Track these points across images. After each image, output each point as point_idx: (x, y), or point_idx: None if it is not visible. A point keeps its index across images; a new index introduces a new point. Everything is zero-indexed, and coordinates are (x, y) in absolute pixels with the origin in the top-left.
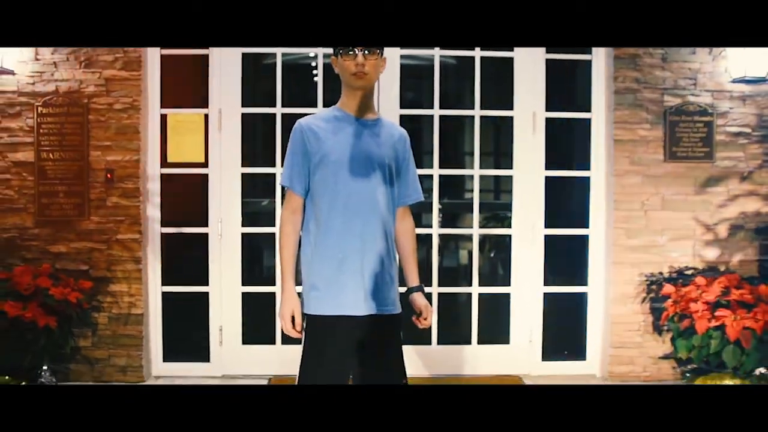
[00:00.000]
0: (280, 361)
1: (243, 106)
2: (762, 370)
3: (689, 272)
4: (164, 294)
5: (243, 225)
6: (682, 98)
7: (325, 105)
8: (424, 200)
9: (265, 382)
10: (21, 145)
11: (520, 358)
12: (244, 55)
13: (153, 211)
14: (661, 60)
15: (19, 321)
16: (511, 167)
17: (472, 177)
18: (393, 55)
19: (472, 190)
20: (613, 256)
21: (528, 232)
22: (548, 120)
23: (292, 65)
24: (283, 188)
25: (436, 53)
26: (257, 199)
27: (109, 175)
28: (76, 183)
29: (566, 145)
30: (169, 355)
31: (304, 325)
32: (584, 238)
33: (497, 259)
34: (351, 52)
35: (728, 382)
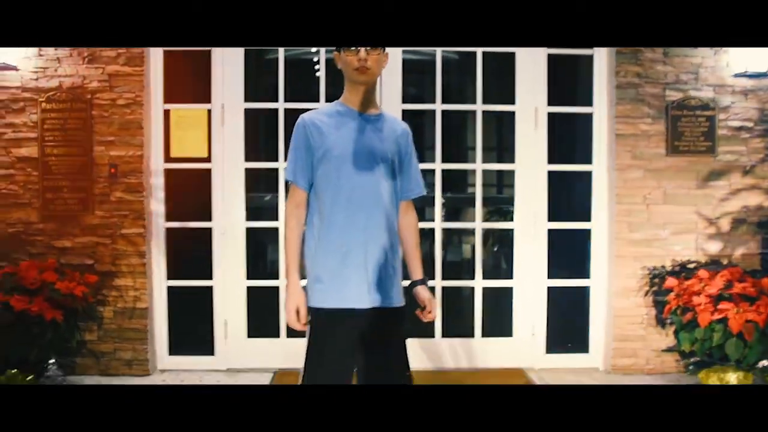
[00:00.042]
0: (284, 355)
1: (246, 101)
2: (765, 362)
3: (692, 266)
4: (169, 288)
5: (247, 219)
6: (684, 93)
7: (328, 100)
8: (427, 195)
9: (269, 375)
10: (25, 140)
11: (523, 351)
12: (246, 50)
13: (157, 205)
14: (662, 55)
15: (25, 315)
16: (513, 162)
17: (474, 171)
18: (395, 51)
19: (474, 185)
20: (616, 249)
21: (531, 226)
22: (550, 114)
23: (294, 60)
24: (286, 183)
25: (438, 49)
26: (261, 193)
27: (112, 170)
28: (80, 178)
29: (568, 139)
30: (174, 349)
31: (309, 318)
32: (587, 232)
33: (500, 253)
34: (353, 48)
35: (731, 374)
